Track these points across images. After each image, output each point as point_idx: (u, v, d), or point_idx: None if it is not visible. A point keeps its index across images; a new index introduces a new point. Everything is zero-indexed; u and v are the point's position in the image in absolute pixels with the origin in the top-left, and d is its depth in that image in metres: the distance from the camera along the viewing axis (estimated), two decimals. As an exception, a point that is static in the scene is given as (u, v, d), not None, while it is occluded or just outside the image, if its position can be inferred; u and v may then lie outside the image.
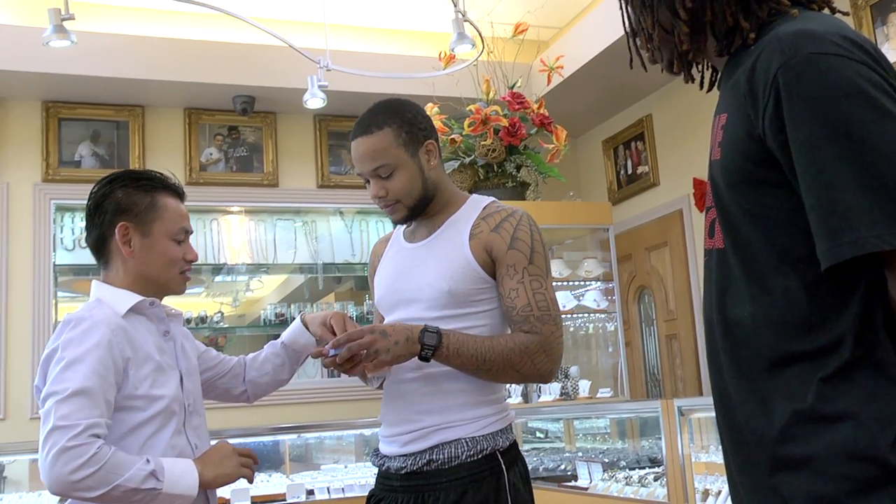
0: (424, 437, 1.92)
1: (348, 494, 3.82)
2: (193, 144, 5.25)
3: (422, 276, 1.99)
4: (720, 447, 3.03)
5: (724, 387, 1.22)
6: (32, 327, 4.75)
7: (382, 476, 2.03)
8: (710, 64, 1.36)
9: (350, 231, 5.69)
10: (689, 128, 5.18)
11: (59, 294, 5.03)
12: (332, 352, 1.90)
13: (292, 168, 5.47)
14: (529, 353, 1.90)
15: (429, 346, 1.84)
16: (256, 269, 5.56)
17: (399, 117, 2.00)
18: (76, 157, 5.07)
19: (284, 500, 3.76)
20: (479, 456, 1.90)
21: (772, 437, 1.13)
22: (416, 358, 1.86)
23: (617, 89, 5.43)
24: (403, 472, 1.94)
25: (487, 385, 1.97)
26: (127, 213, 1.90)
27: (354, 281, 6.11)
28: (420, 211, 2.04)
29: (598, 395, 4.23)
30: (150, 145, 5.20)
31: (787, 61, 1.10)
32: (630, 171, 5.74)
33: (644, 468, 3.65)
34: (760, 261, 1.15)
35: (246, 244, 5.48)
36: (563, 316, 4.34)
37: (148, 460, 1.72)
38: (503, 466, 1.92)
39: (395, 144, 1.97)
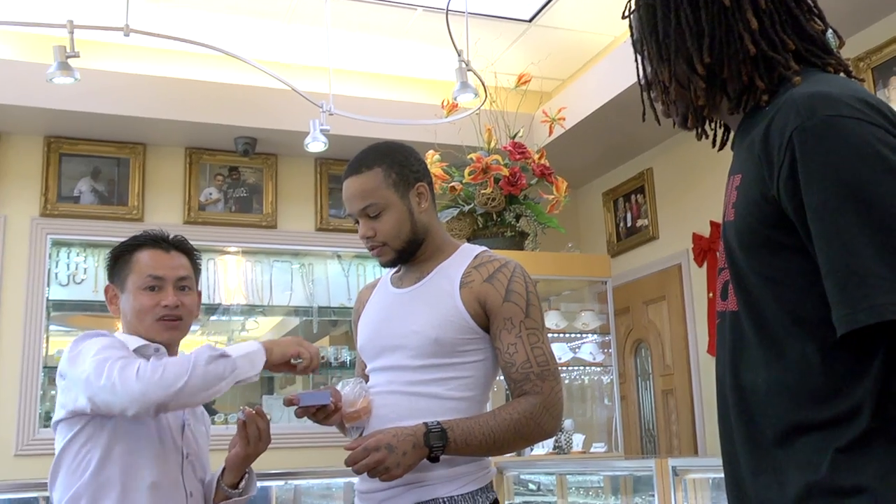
0: (400, 496, 1.86)
1: (334, 545, 3.73)
2: (193, 184, 5.25)
3: (408, 322, 1.95)
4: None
5: (733, 452, 1.19)
6: (22, 362, 4.70)
7: None
8: (722, 122, 1.35)
9: (347, 275, 5.67)
10: (690, 182, 5.18)
11: (52, 328, 4.98)
12: (302, 402, 1.88)
13: (291, 210, 5.47)
14: (534, 417, 1.85)
15: (437, 446, 1.78)
16: (251, 310, 5.52)
17: (390, 158, 1.98)
18: (75, 192, 5.06)
19: (269, 548, 3.68)
20: None
21: None
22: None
23: (618, 142, 5.45)
24: None
25: None
26: (111, 276, 2.05)
27: (349, 325, 6.05)
28: (408, 255, 2.01)
29: (593, 450, 4.17)
30: (150, 183, 5.20)
31: (803, 123, 1.08)
32: (630, 224, 5.73)
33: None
34: (775, 325, 1.13)
35: (242, 285, 5.45)
36: (559, 368, 4.29)
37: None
38: None
39: (385, 185, 1.95)
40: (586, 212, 6.19)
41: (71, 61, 3.50)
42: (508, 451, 1.90)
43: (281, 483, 4.08)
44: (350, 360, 5.43)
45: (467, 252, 2.04)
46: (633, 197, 5.71)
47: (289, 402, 1.89)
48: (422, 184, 2.02)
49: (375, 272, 5.71)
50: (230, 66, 4.92)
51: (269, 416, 5.38)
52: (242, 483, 2.03)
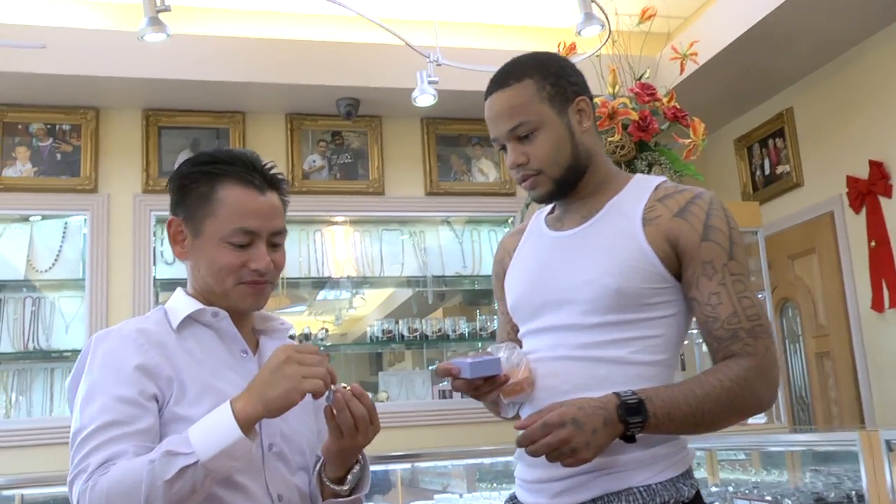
0: (583, 486, 1.48)
1: (469, 532, 3.41)
2: (296, 151, 4.97)
3: (578, 271, 1.56)
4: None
5: None
6: (133, 345, 4.53)
7: None
8: None
9: (461, 241, 5.31)
10: (839, 120, 4.61)
11: (161, 310, 4.80)
12: (464, 372, 1.50)
13: (399, 175, 5.13)
14: (749, 385, 1.45)
15: (634, 423, 1.40)
16: (362, 282, 5.23)
17: (543, 68, 1.60)
18: (176, 166, 4.85)
19: (399, 537, 3.38)
20: None
21: None
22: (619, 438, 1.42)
23: (752, 82, 4.91)
24: None
25: None
26: (180, 205, 1.55)
27: (463, 295, 5.73)
28: (569, 186, 1.62)
29: (751, 422, 3.70)
30: (251, 153, 4.95)
31: None
32: (768, 172, 5.18)
33: (816, 509, 3.11)
34: None
35: (351, 257, 5.17)
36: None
37: (163, 445, 1.33)
38: None
39: (538, 98, 1.58)
40: (716, 161, 5.66)
41: (162, 17, 3.24)
42: (715, 427, 1.49)
43: (407, 466, 3.79)
44: (469, 332, 5.08)
45: (644, 183, 1.65)
46: (770, 141, 5.15)
47: (445, 373, 1.50)
48: (582, 98, 1.64)
49: (491, 237, 5.34)
50: (327, 24, 4.62)
51: (384, 394, 5.00)
52: (350, 477, 1.54)
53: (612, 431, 1.39)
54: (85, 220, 4.63)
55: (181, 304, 1.55)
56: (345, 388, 1.43)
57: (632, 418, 1.39)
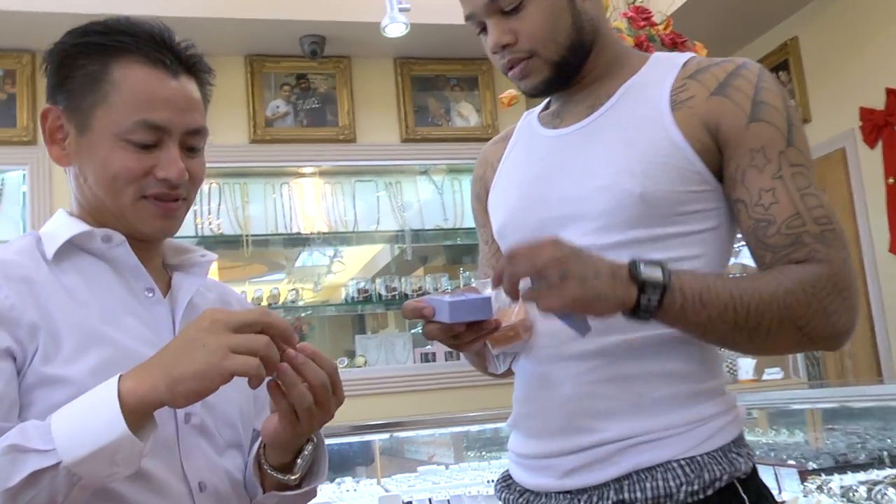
0: (604, 462, 1.11)
1: (456, 508, 3.05)
2: (257, 97, 4.54)
3: (587, 175, 1.17)
4: None
5: None
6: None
7: None
8: None
9: (441, 192, 4.91)
10: (850, 49, 4.23)
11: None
12: (441, 314, 1.10)
13: (371, 120, 4.71)
14: (818, 295, 1.05)
15: (652, 281, 1.00)
16: (337, 240, 4.83)
17: None
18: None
19: (377, 517, 3.01)
20: (710, 491, 1.08)
21: None
22: (626, 316, 1.02)
23: (751, 9, 4.52)
24: None
25: (703, 362, 1.15)
26: (60, 90, 1.12)
27: (445, 251, 5.34)
28: (571, 71, 1.23)
29: (765, 377, 3.36)
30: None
31: None
32: (772, 109, 4.79)
33: (844, 472, 2.76)
34: None
35: (322, 211, 4.76)
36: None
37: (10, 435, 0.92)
38: None
39: None
40: (713, 102, 5.27)
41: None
42: (764, 340, 1.07)
43: (386, 436, 3.42)
44: (452, 291, 4.69)
45: (668, 60, 1.24)
46: (773, 75, 4.76)
47: (416, 314, 1.09)
48: None
49: (473, 187, 4.94)
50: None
51: (362, 359, 4.55)
52: (300, 461, 1.11)
53: (618, 290, 1.00)
54: (24, 175, 4.20)
55: (61, 226, 1.13)
56: (300, 346, 0.97)
57: (649, 275, 1.00)
